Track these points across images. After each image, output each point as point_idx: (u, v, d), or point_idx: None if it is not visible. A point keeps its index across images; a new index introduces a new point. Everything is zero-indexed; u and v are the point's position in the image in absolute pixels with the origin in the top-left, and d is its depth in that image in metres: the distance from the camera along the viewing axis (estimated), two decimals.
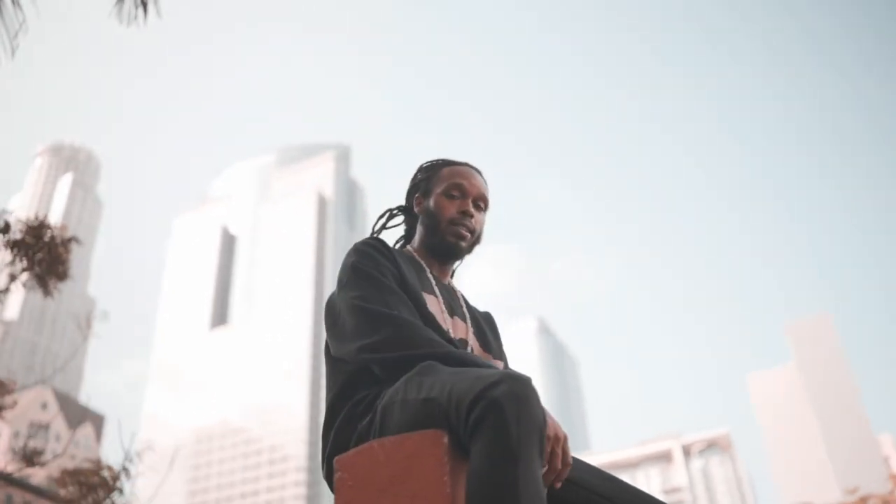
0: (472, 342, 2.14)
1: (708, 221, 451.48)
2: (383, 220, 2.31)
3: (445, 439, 1.61)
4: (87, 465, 13.08)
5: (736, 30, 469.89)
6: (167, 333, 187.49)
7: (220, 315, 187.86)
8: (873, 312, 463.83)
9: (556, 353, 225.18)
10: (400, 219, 2.34)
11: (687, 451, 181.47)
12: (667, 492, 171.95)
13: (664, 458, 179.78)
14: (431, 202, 2.19)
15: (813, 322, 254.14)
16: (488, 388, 1.51)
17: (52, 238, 10.74)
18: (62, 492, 13.29)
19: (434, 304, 2.07)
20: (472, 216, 2.17)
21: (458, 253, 2.20)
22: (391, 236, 2.32)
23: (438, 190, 2.19)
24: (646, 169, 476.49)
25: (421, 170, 2.30)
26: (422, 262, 2.19)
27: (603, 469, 1.80)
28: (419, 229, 2.23)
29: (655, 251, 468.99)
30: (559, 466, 1.61)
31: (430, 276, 2.16)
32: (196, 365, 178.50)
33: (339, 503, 1.69)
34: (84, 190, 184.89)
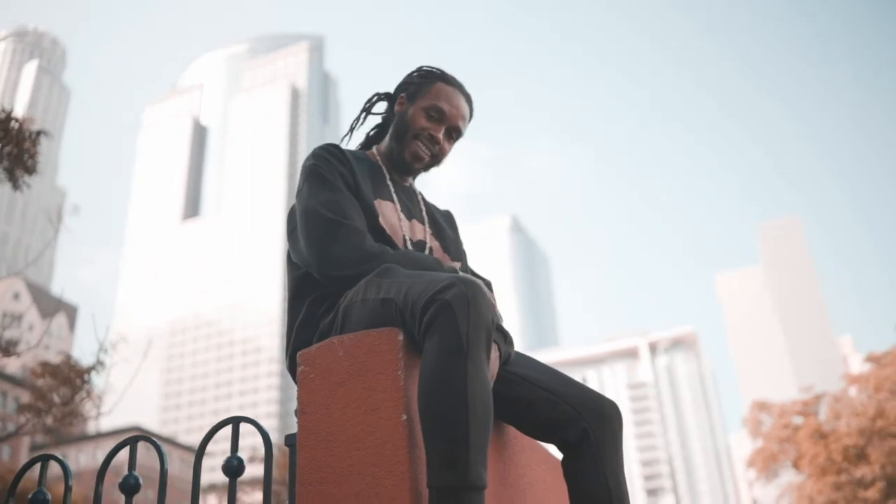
0: (431, 243, 2.20)
1: (686, 120, 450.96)
2: (369, 104, 2.32)
3: (400, 337, 1.73)
4: (59, 359, 13.29)
5: None
6: (139, 225, 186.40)
7: (192, 207, 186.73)
8: (841, 217, 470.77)
9: (528, 250, 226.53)
10: (383, 105, 2.34)
11: (653, 348, 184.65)
12: (632, 386, 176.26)
13: (631, 354, 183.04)
14: (410, 111, 2.19)
15: (782, 224, 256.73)
16: (440, 291, 1.64)
17: (20, 131, 10.47)
18: (38, 382, 13.43)
19: (390, 210, 2.13)
20: (438, 143, 2.19)
21: (410, 171, 2.24)
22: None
23: (422, 104, 2.18)
24: (623, 66, 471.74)
25: (419, 72, 2.27)
26: (382, 167, 2.23)
27: (572, 363, 1.88)
28: (390, 130, 2.25)
29: (630, 149, 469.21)
30: None
31: (388, 181, 2.20)
32: (168, 257, 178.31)
33: (302, 394, 1.80)
34: (50, 77, 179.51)
